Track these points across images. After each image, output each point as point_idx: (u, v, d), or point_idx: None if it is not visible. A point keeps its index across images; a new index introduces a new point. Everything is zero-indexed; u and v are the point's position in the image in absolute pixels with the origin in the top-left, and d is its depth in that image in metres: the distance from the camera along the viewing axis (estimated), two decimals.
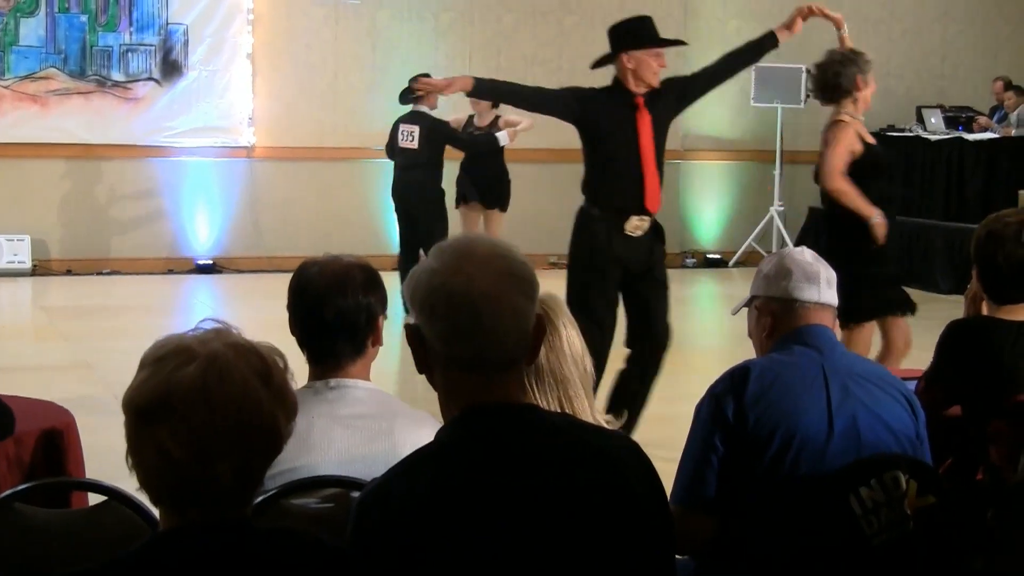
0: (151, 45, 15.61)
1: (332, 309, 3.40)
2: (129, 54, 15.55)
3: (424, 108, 12.45)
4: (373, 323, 3.47)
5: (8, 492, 3.11)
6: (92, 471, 4.61)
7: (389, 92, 16.14)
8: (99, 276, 15.20)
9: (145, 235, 15.56)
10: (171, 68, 15.66)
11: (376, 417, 3.34)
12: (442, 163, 12.48)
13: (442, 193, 12.45)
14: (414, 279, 2.50)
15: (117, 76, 15.48)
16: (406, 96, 12.47)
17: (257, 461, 2.31)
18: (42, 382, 8.90)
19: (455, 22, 16.48)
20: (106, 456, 4.96)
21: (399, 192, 12.65)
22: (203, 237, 15.79)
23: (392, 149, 12.74)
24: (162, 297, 14.09)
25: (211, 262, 15.67)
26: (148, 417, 2.26)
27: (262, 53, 15.93)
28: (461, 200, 12.83)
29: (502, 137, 12.70)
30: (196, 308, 13.57)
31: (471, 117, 13.03)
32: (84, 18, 15.43)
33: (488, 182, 12.79)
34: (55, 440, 4.33)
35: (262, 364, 2.32)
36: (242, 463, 2.27)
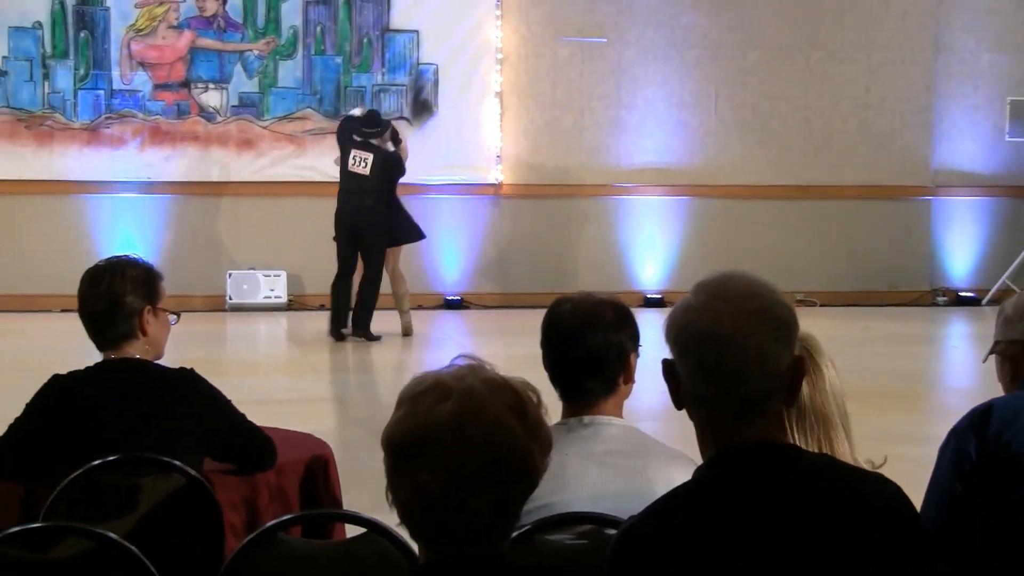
0: (402, 85, 15.95)
1: (583, 347, 3.41)
2: (381, 94, 15.91)
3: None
4: (624, 360, 3.46)
5: (273, 522, 3.19)
6: (347, 503, 4.72)
7: (635, 130, 16.23)
8: (351, 311, 15.49)
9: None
10: (421, 107, 15.97)
11: (630, 455, 3.34)
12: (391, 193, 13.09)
13: (389, 223, 13.07)
14: (671, 314, 2.51)
15: None
16: (369, 125, 13.13)
17: (513, 496, 2.32)
18: (297, 415, 9.10)
19: (700, 59, 16.43)
20: (360, 488, 5.07)
21: (348, 215, 13.11)
22: (451, 273, 16.02)
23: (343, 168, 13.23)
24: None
25: (459, 298, 15.89)
26: (406, 454, 2.30)
27: (510, 91, 16.12)
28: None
29: None
30: (445, 343, 13.74)
31: None
32: (339, 60, 15.85)
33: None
34: (314, 471, 4.42)
35: (516, 399, 2.34)
36: (499, 498, 2.29)
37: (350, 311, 13.18)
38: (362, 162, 13.05)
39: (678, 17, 16.36)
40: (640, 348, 3.51)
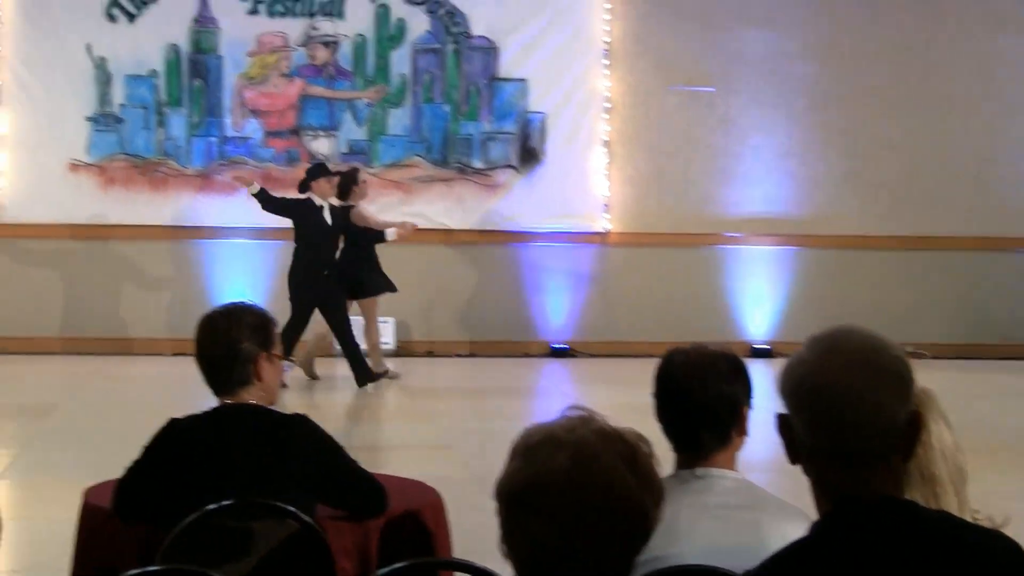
0: (510, 133, 16.05)
1: (696, 399, 3.41)
2: (489, 142, 16.02)
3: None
4: (737, 413, 3.46)
5: (385, 570, 3.22)
6: (456, 551, 4.73)
7: (743, 179, 16.19)
8: (458, 358, 15.61)
9: (501, 318, 15.91)
10: (529, 155, 16.05)
11: (744, 508, 3.33)
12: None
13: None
14: (785, 368, 2.51)
15: (477, 164, 15.97)
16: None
17: (627, 548, 2.33)
18: (404, 461, 9.16)
19: (809, 108, 16.36)
20: (469, 537, 5.08)
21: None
22: (557, 321, 16.05)
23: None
24: (518, 379, 14.33)
25: (565, 346, 15.90)
26: (520, 505, 2.31)
27: (617, 140, 16.16)
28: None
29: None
30: (552, 391, 13.76)
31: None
32: (447, 108, 15.99)
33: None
34: (425, 519, 4.44)
35: (628, 450, 2.35)
36: (612, 550, 2.30)
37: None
38: None
39: (787, 66, 16.32)
40: (753, 400, 3.51)
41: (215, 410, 4.23)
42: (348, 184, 13.33)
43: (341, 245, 13.24)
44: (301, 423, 4.20)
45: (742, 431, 3.48)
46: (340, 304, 13.00)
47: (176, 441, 4.15)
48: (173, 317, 15.44)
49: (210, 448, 4.10)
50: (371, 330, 13.43)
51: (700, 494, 3.36)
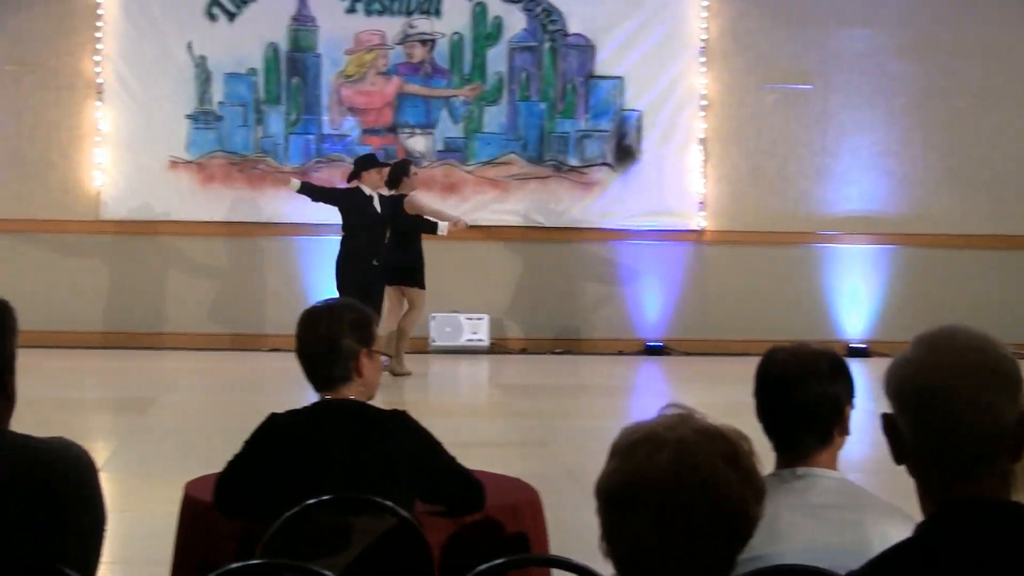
0: (606, 131, 16.03)
1: (798, 398, 3.39)
2: (585, 140, 16.01)
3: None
4: (839, 413, 3.43)
5: (484, 567, 3.22)
6: (552, 548, 4.72)
7: (840, 177, 16.06)
8: (552, 355, 15.62)
9: (596, 316, 15.91)
10: (624, 153, 16.02)
11: (845, 508, 3.30)
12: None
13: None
14: (891, 368, 2.48)
15: (573, 161, 15.97)
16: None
17: (729, 546, 2.32)
18: (499, 458, 9.17)
19: (907, 106, 16.20)
20: (564, 534, 5.08)
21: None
22: (652, 319, 16.01)
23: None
24: (613, 377, 14.32)
25: (660, 343, 15.86)
26: (621, 505, 2.31)
27: (713, 138, 16.09)
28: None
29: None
30: (647, 389, 13.73)
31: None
32: (543, 106, 16.00)
33: None
34: (522, 516, 4.45)
35: (729, 448, 2.33)
36: (714, 548, 2.29)
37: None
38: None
39: (885, 64, 16.16)
40: (854, 400, 3.48)
41: (315, 405, 4.25)
42: (399, 174, 13.46)
43: (389, 235, 13.27)
44: (402, 420, 4.22)
45: (844, 430, 3.45)
46: (380, 296, 13.05)
47: (276, 436, 4.18)
48: (271, 313, 15.59)
49: (310, 443, 4.12)
50: (412, 321, 13.42)
51: (801, 494, 3.33)
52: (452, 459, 4.28)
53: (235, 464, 4.23)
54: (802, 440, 3.41)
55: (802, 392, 3.40)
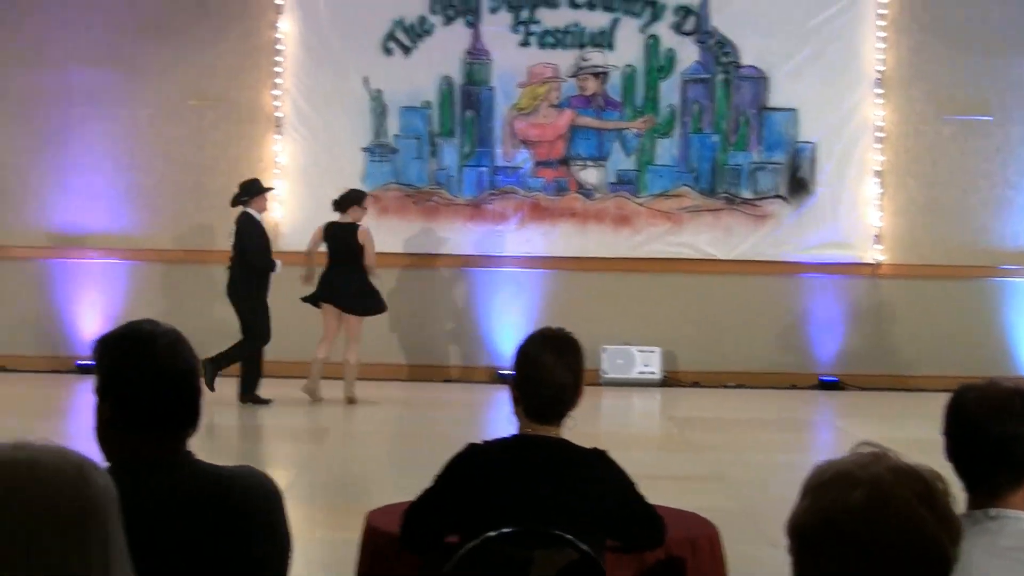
0: (779, 163, 15.91)
1: (990, 438, 3.32)
2: (758, 172, 15.91)
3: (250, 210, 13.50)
4: None
5: None
6: None
7: (1021, 210, 15.70)
8: (725, 389, 15.51)
9: (767, 350, 15.76)
10: (798, 185, 15.89)
11: None
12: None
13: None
14: None
15: (746, 194, 15.87)
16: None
17: None
18: (673, 492, 9.11)
19: None
20: (741, 570, 5.04)
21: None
22: (826, 353, 15.81)
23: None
24: (787, 411, 14.16)
25: (835, 378, 15.65)
26: (813, 543, 2.28)
27: (889, 170, 15.88)
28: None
29: (278, 266, 13.60)
30: (823, 424, 13.56)
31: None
32: (716, 138, 15.93)
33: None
34: (701, 551, 4.43)
35: (925, 488, 2.30)
36: None
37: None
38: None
39: None
40: None
41: (516, 438, 4.21)
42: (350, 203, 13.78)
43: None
44: (601, 458, 4.17)
45: None
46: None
47: (475, 466, 4.14)
48: (451, 342, 15.75)
49: (512, 476, 4.08)
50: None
51: (993, 535, 3.26)
52: (643, 498, 4.23)
53: (426, 498, 4.18)
54: (995, 480, 3.34)
55: (995, 432, 3.33)
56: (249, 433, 12.31)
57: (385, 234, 15.81)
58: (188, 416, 3.23)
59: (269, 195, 13.88)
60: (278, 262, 13.55)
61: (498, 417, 12.39)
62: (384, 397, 14.26)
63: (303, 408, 13.36)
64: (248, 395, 13.30)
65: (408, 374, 15.68)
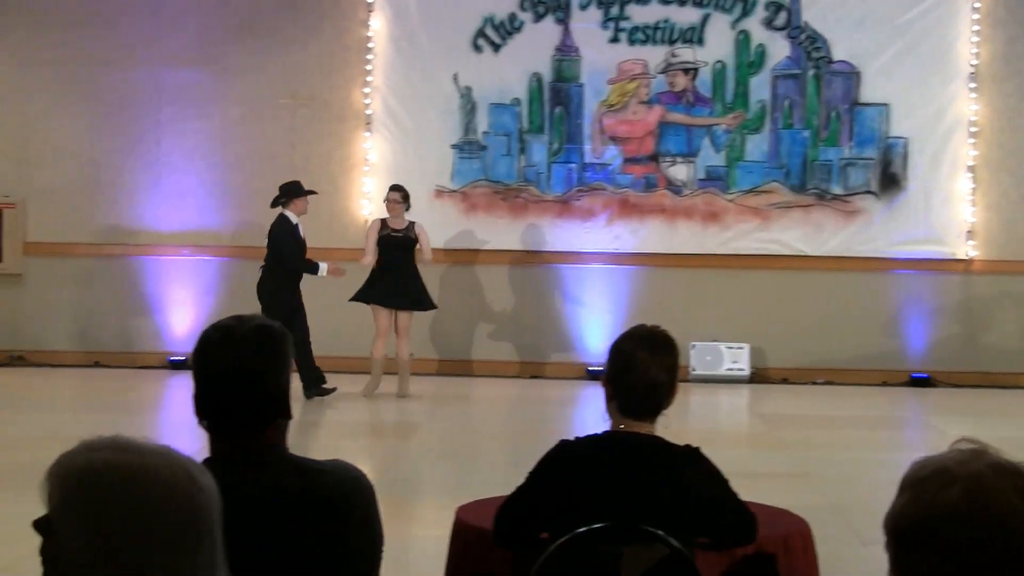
0: (871, 159, 15.77)
1: None
2: (848, 168, 15.78)
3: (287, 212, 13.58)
4: None
5: None
6: None
7: None
8: (814, 385, 15.40)
9: (856, 346, 15.63)
10: (890, 181, 15.74)
11: None
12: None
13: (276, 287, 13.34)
14: None
15: (837, 190, 15.75)
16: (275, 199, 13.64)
17: None
18: (763, 489, 9.06)
19: None
20: (832, 567, 5.01)
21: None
22: (917, 350, 15.65)
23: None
24: (877, 408, 14.04)
25: (926, 375, 15.49)
26: (911, 541, 2.26)
27: (983, 165, 15.68)
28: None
29: (323, 268, 13.53)
30: (914, 422, 13.42)
31: (385, 220, 13.71)
32: (806, 134, 15.81)
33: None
34: (793, 548, 4.40)
35: None
36: None
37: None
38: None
39: None
40: None
41: (608, 435, 4.19)
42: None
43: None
44: (695, 457, 4.15)
45: None
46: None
47: (568, 463, 4.12)
48: (542, 341, 15.78)
49: (605, 472, 4.07)
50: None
51: None
52: (736, 495, 4.20)
53: (520, 494, 4.17)
54: None
55: None
56: (334, 429, 12.36)
57: (474, 231, 15.88)
58: (265, 412, 3.25)
59: (310, 198, 13.78)
60: (323, 264, 13.53)
61: (589, 414, 12.38)
62: (473, 395, 14.29)
63: (392, 403, 13.42)
64: (312, 390, 13.31)
65: (492, 370, 15.68)
